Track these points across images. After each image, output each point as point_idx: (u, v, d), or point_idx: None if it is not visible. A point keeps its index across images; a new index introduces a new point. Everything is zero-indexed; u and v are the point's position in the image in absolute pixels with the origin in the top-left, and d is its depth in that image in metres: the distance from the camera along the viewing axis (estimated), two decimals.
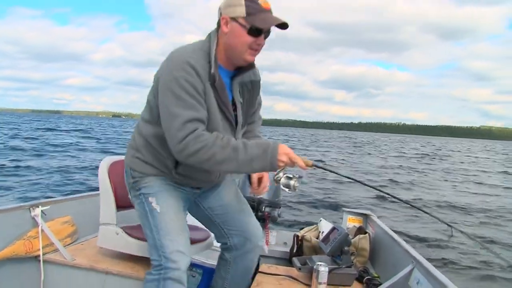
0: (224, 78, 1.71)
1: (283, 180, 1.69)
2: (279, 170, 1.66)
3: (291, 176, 1.69)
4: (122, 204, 2.24)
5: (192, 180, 1.85)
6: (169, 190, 1.83)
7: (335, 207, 7.47)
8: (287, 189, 1.69)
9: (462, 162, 24.26)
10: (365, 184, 1.98)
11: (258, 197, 3.12)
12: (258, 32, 1.63)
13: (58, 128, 40.37)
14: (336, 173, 2.01)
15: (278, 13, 1.65)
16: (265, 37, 1.67)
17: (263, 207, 3.15)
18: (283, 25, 1.63)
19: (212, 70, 1.63)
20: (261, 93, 1.93)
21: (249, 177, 1.99)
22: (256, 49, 1.68)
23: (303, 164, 1.64)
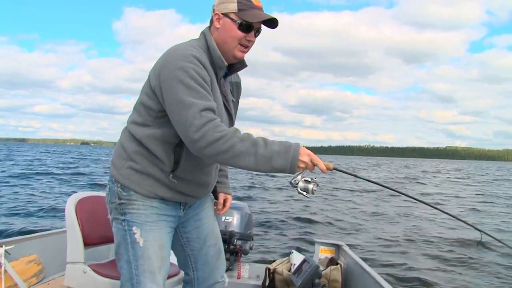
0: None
1: (301, 184, 1.58)
2: (298, 172, 1.56)
3: (309, 179, 1.59)
4: (90, 241, 2.19)
5: (187, 186, 1.73)
6: (157, 220, 1.71)
7: (309, 237, 7.46)
8: (305, 193, 1.59)
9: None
10: (390, 188, 1.90)
11: (230, 229, 3.11)
12: (248, 28, 1.65)
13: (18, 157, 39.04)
14: (357, 176, 1.89)
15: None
16: (256, 35, 1.69)
17: (235, 240, 3.15)
18: (273, 24, 1.68)
19: (220, 63, 1.66)
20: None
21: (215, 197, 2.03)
22: (246, 46, 1.69)
23: (324, 167, 1.56)
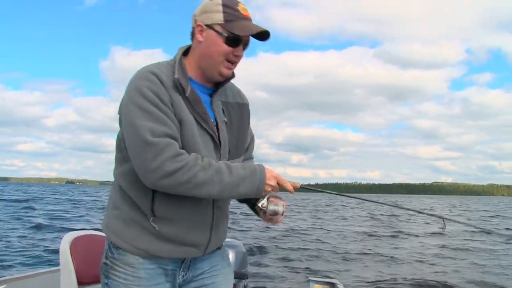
0: (200, 93, 1.47)
1: (270, 207, 1.46)
2: (264, 196, 1.44)
3: (276, 200, 1.47)
4: (84, 280, 2.15)
5: (174, 229, 1.44)
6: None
7: (303, 273, 7.37)
8: (275, 217, 1.47)
9: None
10: (366, 200, 1.78)
11: None
12: (236, 42, 1.42)
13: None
14: (325, 192, 1.73)
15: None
16: (244, 49, 1.46)
17: None
18: (264, 36, 1.46)
19: (176, 75, 1.39)
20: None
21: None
22: (233, 62, 1.45)
23: (291, 187, 1.44)
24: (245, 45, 1.46)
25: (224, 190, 1.34)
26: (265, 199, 1.46)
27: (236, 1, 1.45)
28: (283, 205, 1.47)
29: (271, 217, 1.47)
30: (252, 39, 1.47)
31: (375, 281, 7.33)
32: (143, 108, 1.32)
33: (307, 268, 8.06)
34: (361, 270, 8.25)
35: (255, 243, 10.72)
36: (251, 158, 1.72)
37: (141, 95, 1.34)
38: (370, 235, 14.32)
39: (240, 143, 1.58)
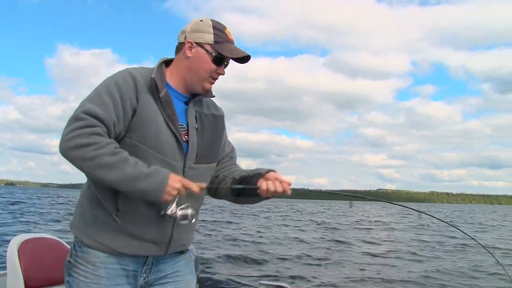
0: (176, 99, 1.59)
1: (180, 212, 1.45)
2: (171, 201, 1.43)
3: (184, 205, 1.47)
4: (32, 284, 2.12)
5: (137, 226, 1.50)
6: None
7: (253, 275, 7.44)
8: (185, 221, 1.48)
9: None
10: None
11: None
12: (221, 61, 1.58)
13: None
14: (236, 188, 1.64)
15: None
16: (225, 67, 1.63)
17: None
18: (245, 61, 1.64)
19: (153, 75, 1.52)
20: (229, 139, 1.82)
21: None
22: (215, 78, 1.62)
23: (197, 188, 1.47)
24: (226, 64, 1.62)
25: (123, 180, 1.37)
26: (174, 204, 1.45)
27: (223, 25, 1.62)
28: (191, 208, 1.48)
29: (181, 222, 1.48)
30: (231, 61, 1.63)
31: (325, 284, 7.54)
32: (99, 94, 1.46)
33: (259, 270, 8.15)
34: (310, 273, 8.44)
35: (204, 247, 10.68)
36: (232, 157, 1.83)
37: (105, 86, 1.47)
38: (317, 240, 14.63)
39: (211, 150, 1.67)
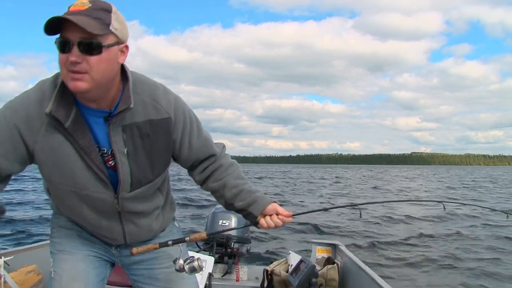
0: (95, 120, 1.29)
1: (187, 267, 1.39)
2: (177, 257, 1.39)
3: (190, 258, 1.40)
4: None
5: (88, 226, 1.48)
6: (71, 247, 1.49)
7: (305, 238, 7.51)
8: (196, 273, 1.42)
9: None
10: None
11: (227, 233, 3.13)
12: (63, 44, 1.14)
13: None
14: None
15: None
16: (82, 50, 1.14)
17: (232, 243, 3.17)
18: (55, 28, 1.14)
19: (48, 110, 1.21)
20: (202, 131, 1.50)
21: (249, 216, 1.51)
22: (74, 71, 1.15)
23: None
24: (80, 45, 1.13)
25: None
26: (181, 260, 1.39)
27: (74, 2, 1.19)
28: (197, 260, 1.40)
29: (192, 273, 1.42)
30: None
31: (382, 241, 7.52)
32: None
33: (311, 234, 8.22)
34: (366, 233, 8.44)
35: None
36: (213, 155, 1.52)
37: None
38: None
39: (153, 167, 1.39)
